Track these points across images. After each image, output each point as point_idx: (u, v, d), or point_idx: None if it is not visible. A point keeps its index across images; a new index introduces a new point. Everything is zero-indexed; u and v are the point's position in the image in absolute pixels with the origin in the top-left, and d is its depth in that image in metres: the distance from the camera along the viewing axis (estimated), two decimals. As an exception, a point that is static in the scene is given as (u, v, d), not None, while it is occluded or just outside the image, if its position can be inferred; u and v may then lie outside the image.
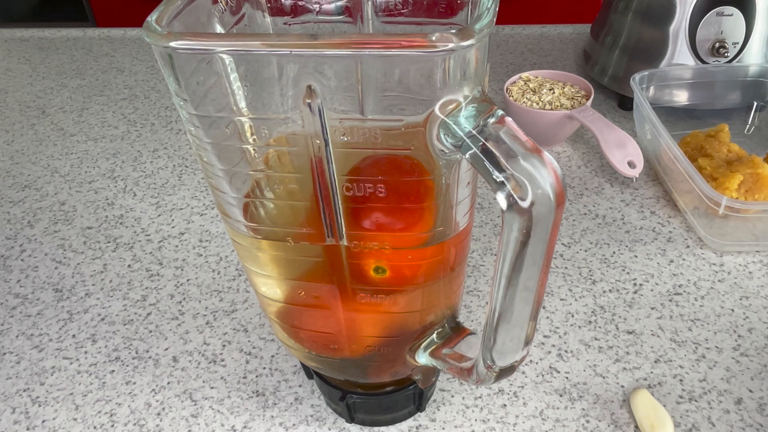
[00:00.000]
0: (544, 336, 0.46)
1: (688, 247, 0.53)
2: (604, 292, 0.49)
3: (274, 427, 0.41)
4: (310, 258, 0.30)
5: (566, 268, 0.51)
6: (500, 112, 0.23)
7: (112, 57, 0.92)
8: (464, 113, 0.23)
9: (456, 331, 0.34)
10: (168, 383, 0.44)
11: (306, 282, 0.31)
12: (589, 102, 0.62)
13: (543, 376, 0.43)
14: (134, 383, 0.44)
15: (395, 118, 0.24)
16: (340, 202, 0.27)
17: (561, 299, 0.49)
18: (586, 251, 0.53)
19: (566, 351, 0.45)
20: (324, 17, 0.32)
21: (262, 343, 0.46)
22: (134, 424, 0.41)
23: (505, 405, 0.41)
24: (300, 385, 0.43)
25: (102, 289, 0.52)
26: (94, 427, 0.41)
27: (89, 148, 0.70)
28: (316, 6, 0.32)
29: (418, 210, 0.28)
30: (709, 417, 0.40)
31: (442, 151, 0.24)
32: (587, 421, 0.40)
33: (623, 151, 0.58)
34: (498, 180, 0.22)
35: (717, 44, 0.64)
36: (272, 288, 0.33)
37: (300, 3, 0.32)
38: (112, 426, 0.41)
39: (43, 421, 0.42)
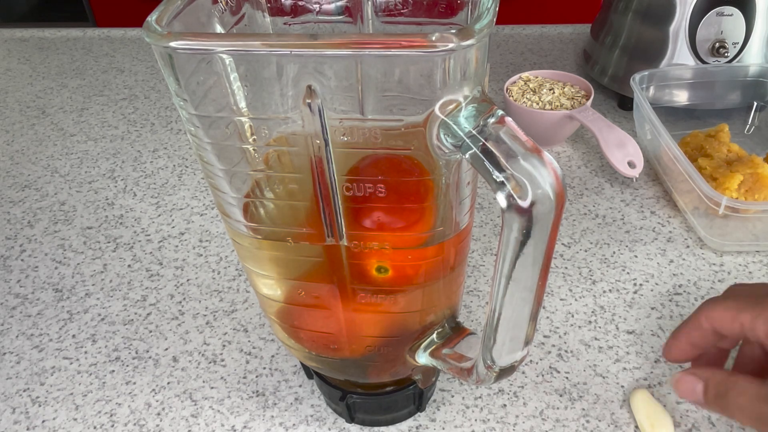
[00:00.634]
0: (544, 336, 0.46)
1: (688, 247, 0.53)
2: (604, 292, 0.49)
3: (274, 427, 0.41)
4: (310, 258, 0.30)
5: (566, 268, 0.51)
6: (500, 112, 0.23)
7: (112, 57, 0.92)
8: (464, 113, 0.23)
9: (456, 331, 0.34)
10: (168, 383, 0.44)
11: (306, 282, 0.31)
12: (589, 102, 0.62)
13: (543, 376, 0.43)
14: (134, 383, 0.44)
15: (395, 118, 0.24)
16: (340, 202, 0.27)
17: (561, 299, 0.49)
18: (586, 251, 0.53)
19: (566, 351, 0.45)
20: (324, 17, 0.32)
21: (262, 343, 0.46)
22: (134, 424, 0.41)
23: (505, 405, 0.41)
24: (300, 385, 0.43)
25: (102, 289, 0.52)
26: (94, 427, 0.41)
27: (89, 148, 0.70)
28: (316, 6, 0.32)
29: (418, 210, 0.28)
30: (709, 417, 0.40)
31: (442, 151, 0.24)
32: (587, 421, 0.40)
33: (623, 151, 0.58)
34: (498, 180, 0.22)
35: (717, 44, 0.64)
36: (272, 288, 0.33)
37: (300, 3, 0.32)
38: (112, 426, 0.41)
39: (43, 421, 0.42)
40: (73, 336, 0.48)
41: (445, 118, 0.23)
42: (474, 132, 0.22)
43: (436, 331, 0.34)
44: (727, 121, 0.59)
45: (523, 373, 0.43)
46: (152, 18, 0.24)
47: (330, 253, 0.29)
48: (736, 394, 0.31)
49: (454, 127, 0.23)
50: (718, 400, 0.32)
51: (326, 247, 0.29)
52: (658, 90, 0.64)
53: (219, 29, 0.29)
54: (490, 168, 0.22)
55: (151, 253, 0.55)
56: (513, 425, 0.40)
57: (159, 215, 0.59)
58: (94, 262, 0.54)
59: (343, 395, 0.38)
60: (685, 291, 0.49)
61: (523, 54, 0.86)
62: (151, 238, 0.57)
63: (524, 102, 0.64)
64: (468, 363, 0.31)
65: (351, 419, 0.40)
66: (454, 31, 0.21)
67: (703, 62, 0.66)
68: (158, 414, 0.42)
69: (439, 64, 0.22)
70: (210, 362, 0.45)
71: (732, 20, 0.63)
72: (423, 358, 0.33)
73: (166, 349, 0.46)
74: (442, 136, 0.23)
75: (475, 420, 0.40)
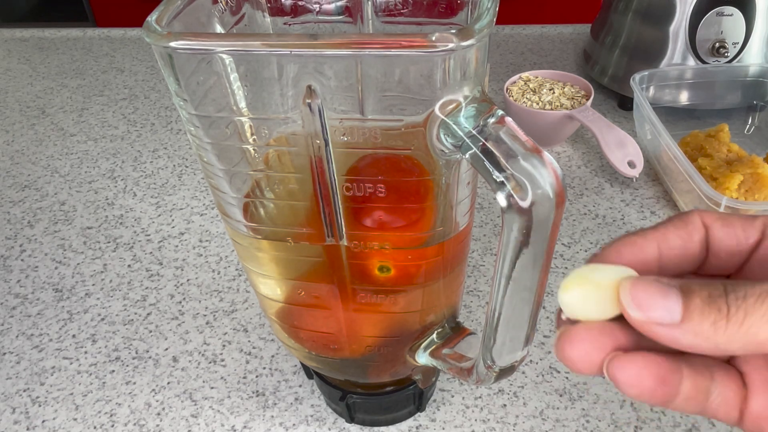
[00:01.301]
0: (544, 336, 0.46)
1: (688, 247, 0.53)
2: (604, 292, 0.49)
3: (274, 427, 0.41)
4: (310, 258, 0.30)
5: (566, 268, 0.51)
6: (500, 112, 0.23)
7: (112, 57, 0.92)
8: (464, 113, 0.23)
9: (456, 331, 0.34)
10: (168, 383, 0.44)
11: (306, 282, 0.31)
12: (589, 102, 0.62)
13: (543, 376, 0.43)
14: (134, 383, 0.44)
15: (395, 118, 0.24)
16: (340, 202, 0.27)
17: (561, 299, 0.48)
18: (586, 251, 0.53)
19: (566, 351, 0.44)
20: (324, 17, 0.32)
21: (262, 343, 0.46)
22: (134, 424, 0.41)
23: (505, 405, 0.41)
24: (300, 385, 0.43)
25: (102, 289, 0.52)
26: (94, 427, 0.41)
27: (89, 148, 0.70)
28: (316, 6, 0.32)
29: (418, 210, 0.28)
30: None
31: (442, 151, 0.24)
32: (587, 421, 0.40)
33: (623, 151, 0.58)
34: (498, 180, 0.21)
35: (717, 44, 0.64)
36: (272, 288, 0.33)
37: (300, 3, 0.32)
38: (112, 426, 0.41)
39: (43, 421, 0.42)
40: (73, 336, 0.48)
41: (445, 118, 0.23)
42: (474, 132, 0.22)
43: (436, 331, 0.34)
44: (727, 121, 0.59)
45: (523, 373, 0.43)
46: (152, 18, 0.24)
47: (330, 253, 0.29)
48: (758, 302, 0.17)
49: (454, 127, 0.23)
50: (721, 322, 0.17)
51: (326, 247, 0.29)
52: (658, 90, 0.64)
53: (219, 29, 0.29)
54: (490, 168, 0.22)
55: (151, 253, 0.55)
56: (513, 425, 0.40)
57: (159, 215, 0.59)
58: (94, 262, 0.54)
59: (343, 395, 0.38)
60: (685, 291, 0.49)
61: (523, 54, 0.86)
62: (151, 238, 0.57)
63: (524, 102, 0.64)
64: (468, 363, 0.31)
65: (351, 419, 0.40)
66: (454, 31, 0.21)
67: (703, 62, 0.66)
68: (158, 414, 0.42)
69: (439, 64, 0.22)
70: (210, 362, 0.45)
71: (732, 20, 0.63)
72: (423, 358, 0.33)
73: (166, 349, 0.46)
74: (442, 136, 0.23)
75: (475, 420, 0.40)
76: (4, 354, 0.47)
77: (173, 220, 0.59)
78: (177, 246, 0.56)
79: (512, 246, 0.23)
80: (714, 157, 0.55)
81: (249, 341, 0.46)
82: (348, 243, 0.28)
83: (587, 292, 0.21)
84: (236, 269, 0.53)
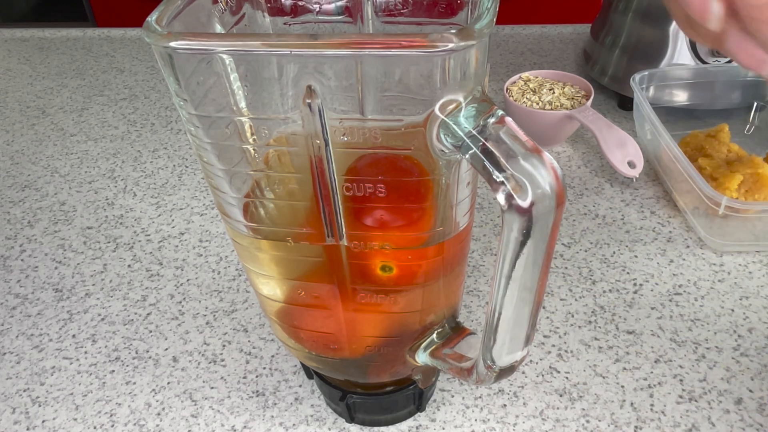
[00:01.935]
0: (544, 336, 0.46)
1: (688, 247, 0.53)
2: (604, 292, 0.49)
3: (274, 427, 0.41)
4: (310, 258, 0.30)
5: (566, 268, 0.51)
6: (500, 112, 0.23)
7: (112, 57, 0.92)
8: (464, 113, 0.23)
9: (456, 331, 0.34)
10: (168, 383, 0.44)
11: (306, 282, 0.31)
12: (589, 102, 0.62)
13: (543, 376, 0.43)
14: (134, 383, 0.44)
15: (395, 118, 0.24)
16: (340, 202, 0.27)
17: (561, 299, 0.49)
18: (586, 251, 0.53)
19: (566, 351, 0.45)
20: (324, 17, 0.32)
21: (262, 343, 0.46)
22: (134, 424, 0.41)
23: (505, 405, 0.41)
24: (300, 385, 0.43)
25: (102, 289, 0.52)
26: (94, 427, 0.41)
27: (89, 148, 0.70)
28: (316, 6, 0.32)
29: (418, 210, 0.28)
30: (709, 417, 0.40)
31: (442, 151, 0.24)
32: (587, 421, 0.40)
33: (623, 151, 0.58)
34: (498, 180, 0.22)
35: (717, 44, 0.64)
36: (272, 288, 0.33)
37: (300, 3, 0.32)
38: (112, 426, 0.41)
39: (43, 421, 0.42)
40: (73, 336, 0.48)
41: (445, 118, 0.23)
42: (474, 132, 0.22)
43: (436, 331, 0.34)
44: (727, 121, 0.59)
45: (523, 373, 0.43)
46: (152, 18, 0.24)
47: (330, 253, 0.29)
48: None
49: (454, 127, 0.23)
50: None
51: (326, 247, 0.29)
52: (658, 90, 0.64)
53: (219, 29, 0.29)
54: (490, 168, 0.22)
55: (151, 253, 0.55)
56: (513, 425, 0.40)
57: (159, 215, 0.59)
58: (94, 262, 0.54)
59: (343, 395, 0.38)
60: (685, 291, 0.49)
61: (523, 54, 0.86)
62: (151, 238, 0.57)
63: (524, 102, 0.64)
64: (468, 363, 0.31)
65: (351, 419, 0.40)
66: (454, 31, 0.21)
67: (703, 62, 0.66)
68: (158, 414, 0.42)
69: (439, 64, 0.22)
70: (210, 362, 0.45)
71: (732, 20, 0.63)
72: (423, 358, 0.33)
73: (166, 349, 0.46)
74: (442, 136, 0.23)
75: (475, 420, 0.40)
76: (4, 354, 0.47)
77: (173, 220, 0.59)
78: (177, 246, 0.56)
79: (512, 246, 0.23)
80: (714, 157, 0.55)
81: (249, 341, 0.46)
82: (348, 243, 0.28)
83: None
84: (236, 269, 0.53)
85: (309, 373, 0.42)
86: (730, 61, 0.65)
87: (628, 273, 0.51)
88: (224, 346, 0.46)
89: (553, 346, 0.45)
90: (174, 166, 0.67)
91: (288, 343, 0.36)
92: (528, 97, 0.65)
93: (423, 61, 0.22)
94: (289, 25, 0.33)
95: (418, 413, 0.41)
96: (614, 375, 0.43)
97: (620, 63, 0.71)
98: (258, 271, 0.32)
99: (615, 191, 0.60)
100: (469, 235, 0.32)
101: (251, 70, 0.24)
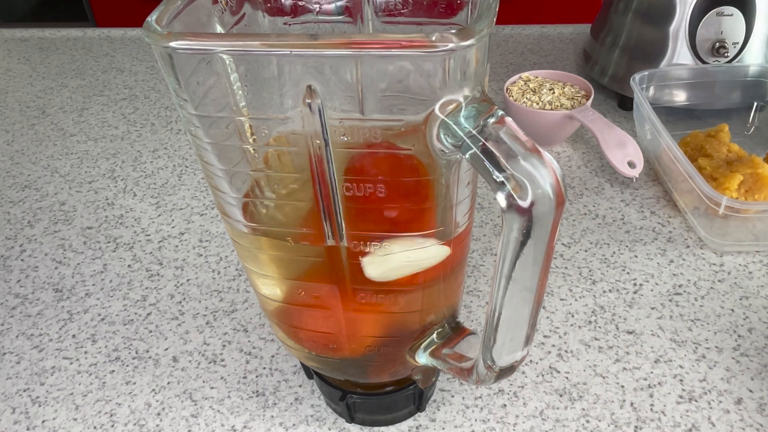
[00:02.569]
0: (544, 336, 0.46)
1: (688, 247, 0.53)
2: (604, 292, 0.49)
3: (274, 427, 0.41)
4: (310, 258, 0.30)
5: (566, 268, 0.51)
6: (500, 112, 0.23)
7: (112, 57, 0.92)
8: (464, 113, 0.23)
9: (456, 331, 0.34)
10: (168, 383, 0.44)
11: (306, 282, 0.31)
12: (589, 102, 0.62)
13: (543, 376, 0.43)
14: (134, 383, 0.44)
15: (395, 118, 0.24)
16: (340, 202, 0.27)
17: (561, 299, 0.49)
18: (586, 251, 0.53)
19: (566, 351, 0.45)
20: (324, 17, 0.32)
21: (262, 343, 0.46)
22: (134, 424, 0.41)
23: (505, 405, 0.41)
24: (300, 385, 0.43)
25: (102, 289, 0.52)
26: (94, 427, 0.41)
27: (89, 148, 0.70)
28: (316, 6, 0.32)
29: (418, 210, 0.28)
30: (709, 417, 0.40)
31: (442, 151, 0.24)
32: (587, 421, 0.40)
33: (623, 151, 0.58)
34: (498, 180, 0.22)
35: (717, 44, 0.64)
36: (272, 288, 0.33)
37: (300, 3, 0.32)
38: (112, 426, 0.41)
39: (43, 421, 0.42)
40: (73, 336, 0.48)
41: (445, 118, 0.23)
42: (474, 132, 0.22)
43: (436, 331, 0.34)
44: (727, 121, 0.59)
45: (523, 373, 0.43)
46: (152, 18, 0.24)
47: (330, 253, 0.29)
48: None
49: (454, 127, 0.23)
50: None
51: (326, 247, 0.29)
52: (658, 90, 0.64)
53: (219, 29, 0.29)
54: (490, 168, 0.22)
55: (151, 253, 0.55)
56: (513, 425, 0.40)
57: (159, 215, 0.59)
58: (94, 262, 0.54)
59: (343, 395, 0.38)
60: (685, 291, 0.49)
61: (523, 54, 0.86)
62: (151, 238, 0.57)
63: (524, 102, 0.64)
64: (468, 363, 0.31)
65: (351, 419, 0.40)
66: (454, 31, 0.21)
67: (703, 62, 0.66)
68: (158, 414, 0.42)
69: (439, 64, 0.22)
70: (210, 362, 0.45)
71: (732, 20, 0.63)
72: (423, 358, 0.33)
73: (166, 349, 0.46)
74: (442, 136, 0.23)
75: (475, 420, 0.40)
76: (4, 354, 0.47)
77: (173, 220, 0.59)
78: (177, 246, 0.56)
79: (512, 246, 0.23)
80: (714, 157, 0.55)
81: (249, 341, 0.46)
82: (348, 243, 0.28)
83: None
84: (236, 269, 0.53)
85: (309, 373, 0.42)
86: (730, 61, 0.65)
87: (628, 273, 0.51)
88: (224, 346, 0.46)
89: (553, 346, 0.45)
90: (174, 166, 0.67)
91: (288, 343, 0.36)
92: (528, 97, 0.65)
93: (423, 61, 0.22)
94: (289, 25, 0.33)
95: (418, 413, 0.41)
96: (614, 375, 0.43)
97: (620, 63, 0.71)
98: (258, 271, 0.32)
99: (615, 191, 0.60)
100: (469, 235, 0.32)
101: (251, 70, 0.24)
